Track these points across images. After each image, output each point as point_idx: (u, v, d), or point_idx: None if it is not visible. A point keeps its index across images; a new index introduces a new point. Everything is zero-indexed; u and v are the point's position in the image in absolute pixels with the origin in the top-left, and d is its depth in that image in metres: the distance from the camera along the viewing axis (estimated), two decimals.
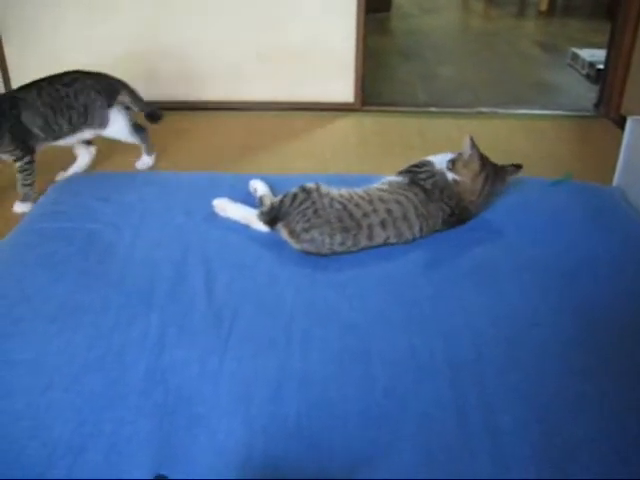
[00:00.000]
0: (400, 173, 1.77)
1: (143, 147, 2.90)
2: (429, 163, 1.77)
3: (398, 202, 1.65)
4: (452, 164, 1.74)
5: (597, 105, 3.94)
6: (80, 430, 1.12)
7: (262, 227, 1.68)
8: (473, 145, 1.72)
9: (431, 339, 1.33)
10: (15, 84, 3.87)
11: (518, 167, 1.79)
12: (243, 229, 1.70)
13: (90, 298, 1.44)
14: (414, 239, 1.66)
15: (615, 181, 2.10)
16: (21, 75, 3.86)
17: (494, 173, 1.75)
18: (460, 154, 1.74)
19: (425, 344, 1.32)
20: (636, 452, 1.10)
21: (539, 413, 1.17)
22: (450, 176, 1.72)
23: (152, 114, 2.84)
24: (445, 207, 1.69)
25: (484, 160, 1.74)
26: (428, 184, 1.71)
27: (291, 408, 1.17)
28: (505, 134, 3.60)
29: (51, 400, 1.18)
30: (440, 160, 1.78)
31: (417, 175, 1.73)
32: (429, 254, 1.64)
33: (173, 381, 1.23)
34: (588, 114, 3.91)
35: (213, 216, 1.76)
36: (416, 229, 1.65)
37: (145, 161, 2.93)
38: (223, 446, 1.10)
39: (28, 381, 1.22)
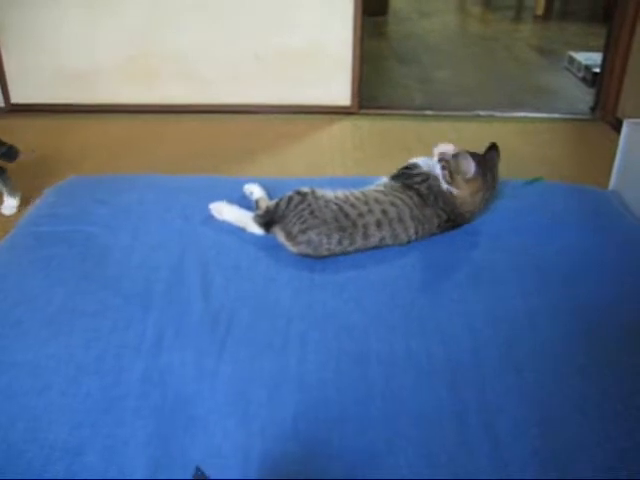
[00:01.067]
0: (393, 177, 1.77)
1: (4, 190, 2.70)
2: (417, 166, 1.76)
3: (393, 204, 1.65)
4: (450, 176, 1.67)
5: (593, 108, 3.96)
6: (77, 432, 1.12)
7: (258, 230, 1.68)
8: (477, 165, 1.66)
9: (429, 341, 1.33)
10: (13, 87, 3.88)
11: (496, 149, 1.76)
12: (240, 232, 1.70)
13: (88, 300, 1.44)
14: (409, 241, 1.66)
15: (611, 184, 2.10)
16: (19, 78, 3.87)
17: (492, 179, 1.73)
18: (456, 161, 1.68)
19: (423, 346, 1.32)
20: (636, 453, 1.10)
21: (538, 414, 1.17)
22: (446, 187, 1.69)
23: (7, 153, 2.63)
24: (441, 213, 1.68)
25: (485, 174, 1.69)
26: (423, 188, 1.70)
27: (288, 410, 1.17)
28: (502, 137, 3.60)
29: (48, 402, 1.18)
30: (425, 163, 1.76)
31: (411, 179, 1.73)
32: (427, 256, 1.64)
33: (170, 383, 1.23)
34: (584, 117, 3.93)
35: (211, 219, 1.76)
36: (411, 231, 1.65)
37: (10, 204, 2.70)
38: (220, 448, 1.10)
39: (25, 383, 1.22)
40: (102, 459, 1.08)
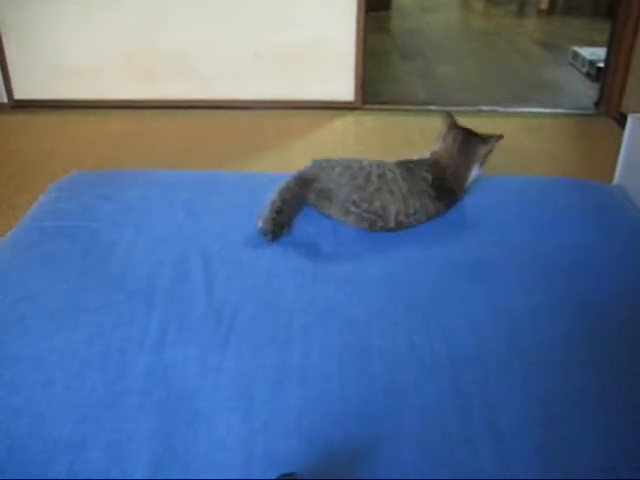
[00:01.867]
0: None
1: None
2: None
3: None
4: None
5: (598, 103, 3.94)
6: (81, 427, 1.13)
7: None
8: (446, 116, 1.87)
9: (432, 336, 1.33)
10: (16, 83, 3.89)
11: (499, 137, 1.83)
12: (244, 226, 1.70)
13: (91, 296, 1.44)
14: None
15: (616, 179, 2.10)
16: (21, 75, 3.88)
17: (466, 137, 1.81)
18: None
19: (426, 341, 1.32)
20: (638, 449, 1.10)
21: (541, 410, 1.17)
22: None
23: None
24: (427, 175, 1.72)
25: (454, 124, 1.85)
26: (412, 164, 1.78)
27: (291, 404, 1.17)
28: (506, 132, 3.57)
29: (52, 397, 1.18)
30: None
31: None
32: (429, 251, 1.64)
33: (174, 378, 1.23)
34: (589, 112, 3.92)
35: (214, 214, 1.76)
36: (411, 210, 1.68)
37: None
38: (224, 443, 1.10)
39: (29, 378, 1.22)
40: (106, 454, 1.08)
